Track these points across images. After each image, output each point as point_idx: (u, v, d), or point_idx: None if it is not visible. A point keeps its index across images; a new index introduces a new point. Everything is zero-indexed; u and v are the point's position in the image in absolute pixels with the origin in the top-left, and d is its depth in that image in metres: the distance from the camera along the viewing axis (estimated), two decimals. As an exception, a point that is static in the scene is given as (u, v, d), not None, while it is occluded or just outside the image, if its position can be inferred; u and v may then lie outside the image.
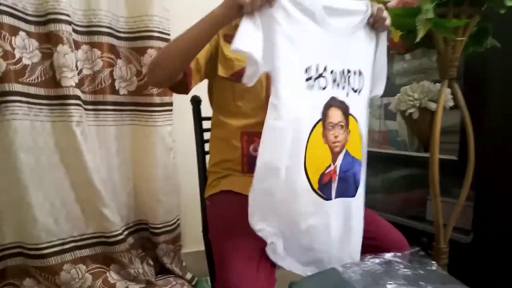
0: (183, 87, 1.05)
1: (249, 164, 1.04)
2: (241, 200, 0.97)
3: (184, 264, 1.82)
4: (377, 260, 0.80)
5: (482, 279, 1.34)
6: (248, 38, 0.76)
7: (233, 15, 0.80)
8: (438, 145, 1.07)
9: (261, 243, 0.85)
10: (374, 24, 0.88)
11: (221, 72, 1.06)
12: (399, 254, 0.83)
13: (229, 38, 1.05)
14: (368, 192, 1.87)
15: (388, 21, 0.89)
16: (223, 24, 0.84)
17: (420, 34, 0.93)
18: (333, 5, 0.82)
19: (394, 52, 1.19)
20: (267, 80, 1.00)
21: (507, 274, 1.33)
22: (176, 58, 0.93)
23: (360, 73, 0.89)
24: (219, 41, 1.06)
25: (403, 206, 1.67)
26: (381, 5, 0.88)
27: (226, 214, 0.99)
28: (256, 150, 1.02)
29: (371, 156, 1.80)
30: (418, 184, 1.69)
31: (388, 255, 0.82)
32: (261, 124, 0.83)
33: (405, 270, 0.78)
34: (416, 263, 0.82)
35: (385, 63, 0.94)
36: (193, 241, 1.85)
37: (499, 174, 1.33)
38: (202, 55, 1.03)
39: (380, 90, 0.97)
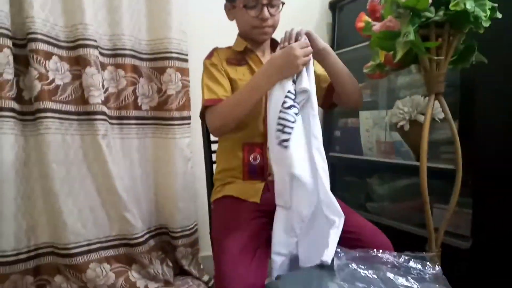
0: None
1: (249, 172, 1.16)
2: (241, 203, 1.10)
3: (201, 266, 1.93)
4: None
5: (480, 285, 1.39)
6: None
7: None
8: (426, 155, 1.14)
9: (257, 237, 0.97)
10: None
11: None
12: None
13: (231, 60, 1.19)
14: (376, 200, 1.95)
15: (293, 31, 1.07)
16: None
17: (398, 55, 1.01)
18: None
19: (388, 68, 1.27)
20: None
21: (505, 279, 1.38)
22: (239, 115, 1.09)
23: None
24: (223, 65, 1.19)
25: (409, 214, 1.72)
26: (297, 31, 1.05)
27: (226, 215, 1.10)
28: (255, 159, 1.14)
29: (378, 165, 1.89)
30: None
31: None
32: (260, 135, 1.07)
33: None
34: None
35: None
36: (210, 245, 1.97)
37: (495, 181, 1.38)
38: (226, 82, 1.17)
39: None
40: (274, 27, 1.19)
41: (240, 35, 1.25)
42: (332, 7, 2.22)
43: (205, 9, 1.91)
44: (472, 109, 1.38)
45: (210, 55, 1.21)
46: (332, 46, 2.21)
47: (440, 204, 1.48)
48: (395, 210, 1.81)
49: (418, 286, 0.77)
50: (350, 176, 2.13)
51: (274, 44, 1.26)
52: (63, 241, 1.59)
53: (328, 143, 2.09)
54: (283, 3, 1.18)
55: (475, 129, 1.38)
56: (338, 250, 0.88)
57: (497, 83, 1.34)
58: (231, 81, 1.17)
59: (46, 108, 1.54)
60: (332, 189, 1.02)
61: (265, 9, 1.12)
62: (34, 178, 1.59)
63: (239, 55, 1.21)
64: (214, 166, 1.32)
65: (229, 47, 1.25)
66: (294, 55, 0.99)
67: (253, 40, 1.21)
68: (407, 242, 1.56)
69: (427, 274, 0.82)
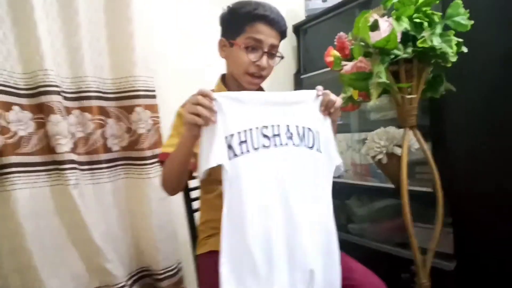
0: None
1: None
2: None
3: (189, 305, 1.89)
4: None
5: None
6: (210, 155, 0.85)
7: (196, 134, 0.89)
8: (406, 187, 1.16)
9: None
10: (326, 109, 0.96)
11: None
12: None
13: None
14: (356, 221, 1.96)
15: (338, 103, 0.97)
16: (192, 142, 0.94)
17: (374, 97, 1.02)
18: (279, 99, 0.93)
19: (360, 100, 1.28)
20: None
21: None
22: (174, 175, 1.05)
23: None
24: None
25: (390, 234, 1.74)
26: (326, 91, 0.97)
27: (213, 279, 1.05)
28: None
29: (356, 188, 1.91)
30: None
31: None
32: None
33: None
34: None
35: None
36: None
37: (470, 200, 1.41)
38: None
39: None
40: (264, 78, 1.15)
41: (226, 79, 1.21)
42: (296, 30, 2.24)
43: (170, 42, 1.91)
44: (445, 131, 1.41)
45: (185, 103, 1.17)
46: (299, 70, 2.23)
47: (418, 223, 1.50)
48: (376, 231, 1.82)
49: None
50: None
51: None
52: (40, 300, 1.50)
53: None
54: (282, 57, 1.15)
55: (447, 150, 1.41)
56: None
57: (464, 103, 1.37)
58: None
59: (11, 163, 1.45)
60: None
61: (265, 57, 1.09)
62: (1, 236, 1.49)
63: None
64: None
65: None
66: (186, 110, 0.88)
67: (238, 87, 1.16)
68: (391, 264, 1.57)
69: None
